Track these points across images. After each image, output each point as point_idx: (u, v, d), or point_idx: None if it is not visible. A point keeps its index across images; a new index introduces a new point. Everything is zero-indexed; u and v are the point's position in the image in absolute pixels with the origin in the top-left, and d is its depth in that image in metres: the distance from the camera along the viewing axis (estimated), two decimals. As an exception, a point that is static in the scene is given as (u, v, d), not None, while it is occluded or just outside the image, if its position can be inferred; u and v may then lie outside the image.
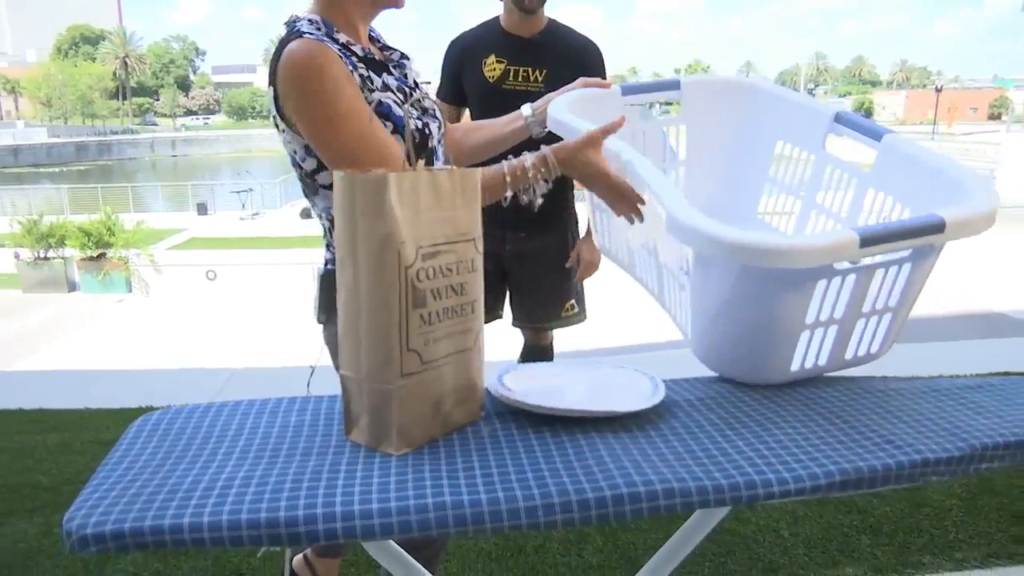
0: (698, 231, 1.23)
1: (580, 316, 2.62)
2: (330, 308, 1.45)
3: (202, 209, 20.71)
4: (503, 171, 1.42)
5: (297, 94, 1.35)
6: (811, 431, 1.32)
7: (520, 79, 2.31)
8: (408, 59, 1.60)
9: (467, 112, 2.48)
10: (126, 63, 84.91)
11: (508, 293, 2.63)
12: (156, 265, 12.24)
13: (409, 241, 1.19)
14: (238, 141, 67.22)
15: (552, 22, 2.35)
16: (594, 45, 2.35)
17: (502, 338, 2.72)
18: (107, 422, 3.91)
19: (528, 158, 1.43)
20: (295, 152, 1.47)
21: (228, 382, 5.13)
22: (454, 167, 1.28)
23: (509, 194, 1.44)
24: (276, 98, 1.40)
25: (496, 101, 2.28)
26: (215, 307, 10.43)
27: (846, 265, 1.32)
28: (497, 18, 2.37)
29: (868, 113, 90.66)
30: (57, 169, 47.05)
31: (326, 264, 1.59)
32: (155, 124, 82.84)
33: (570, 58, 2.29)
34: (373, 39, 1.57)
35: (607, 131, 1.42)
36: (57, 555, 2.47)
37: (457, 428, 1.33)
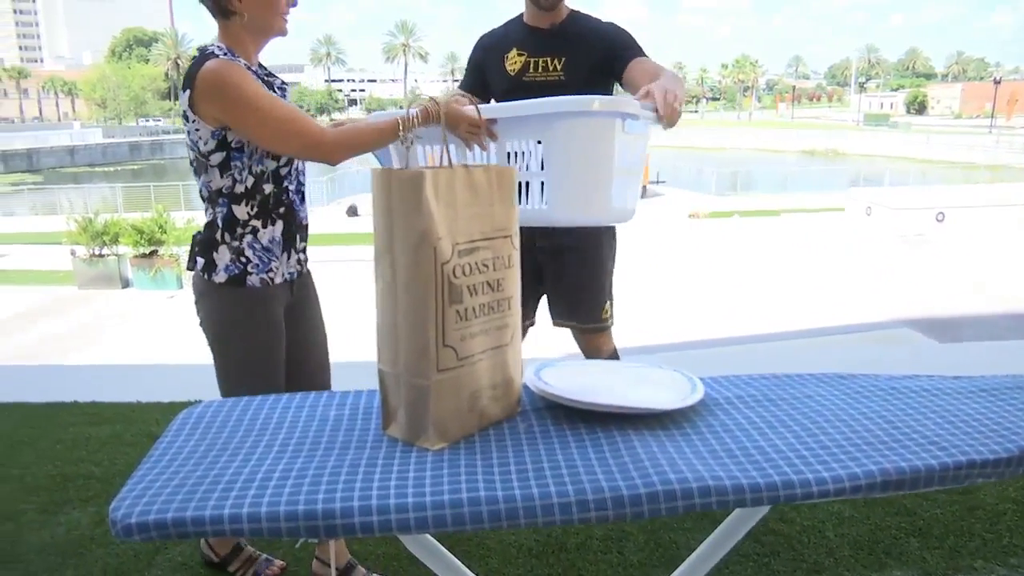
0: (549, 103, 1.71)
1: (612, 320, 2.55)
2: (197, 259, 1.89)
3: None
4: (396, 119, 1.72)
5: (223, 100, 1.71)
6: (852, 431, 1.30)
7: (540, 70, 2.33)
8: (286, 85, 1.97)
9: None
10: (178, 64, 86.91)
11: (547, 294, 2.59)
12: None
13: (446, 237, 1.20)
14: (286, 140, 67.99)
15: (574, 12, 2.38)
16: (615, 27, 2.33)
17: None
18: (156, 415, 4.01)
19: (416, 109, 1.72)
20: (200, 139, 1.79)
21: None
22: (490, 164, 1.29)
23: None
24: (191, 98, 1.75)
25: (518, 93, 2.29)
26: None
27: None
28: (521, 15, 2.42)
29: (921, 107, 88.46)
30: (112, 168, 48.33)
31: (205, 227, 1.90)
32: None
33: (588, 44, 2.28)
34: (261, 66, 1.90)
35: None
36: (109, 544, 2.54)
37: (494, 423, 1.34)
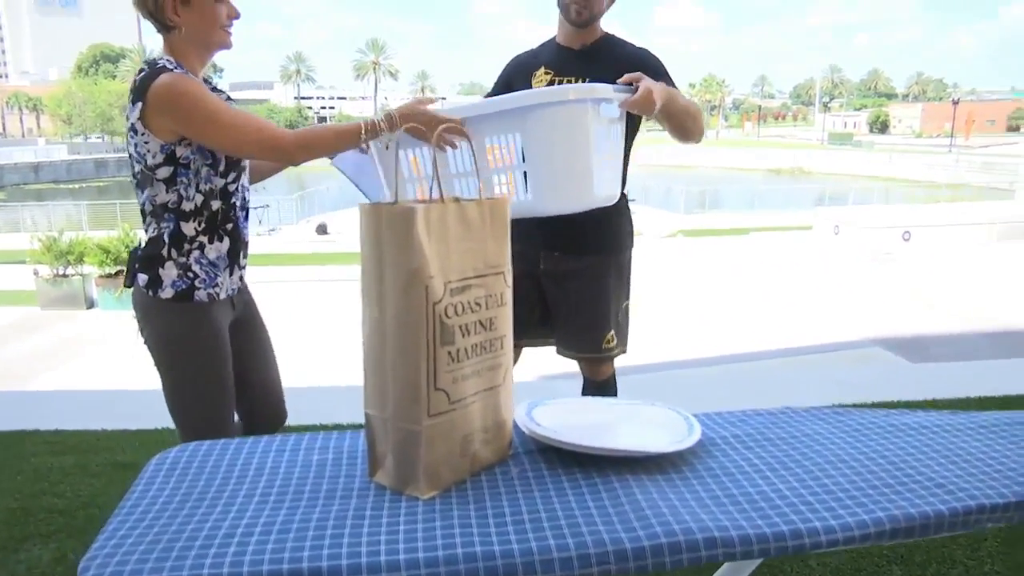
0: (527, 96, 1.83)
1: (619, 348, 2.46)
2: (138, 275, 1.87)
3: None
4: (360, 124, 1.75)
5: (179, 111, 1.71)
6: (856, 473, 1.26)
7: None
8: (232, 100, 1.96)
9: None
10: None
11: (550, 319, 2.50)
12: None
13: (438, 275, 1.14)
14: (254, 157, 67.73)
15: (607, 35, 2.36)
16: (646, 53, 2.31)
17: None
18: (123, 444, 3.88)
19: (378, 115, 1.75)
20: (148, 152, 1.77)
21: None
22: (483, 198, 1.24)
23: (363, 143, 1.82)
24: (143, 112, 1.73)
25: None
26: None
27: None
28: (556, 36, 2.40)
29: (884, 126, 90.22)
30: (77, 185, 47.50)
31: (140, 243, 1.90)
32: None
33: (616, 67, 2.19)
34: (207, 81, 1.90)
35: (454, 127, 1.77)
36: (72, 584, 2.44)
37: (485, 467, 1.28)
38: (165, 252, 1.83)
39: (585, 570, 1.03)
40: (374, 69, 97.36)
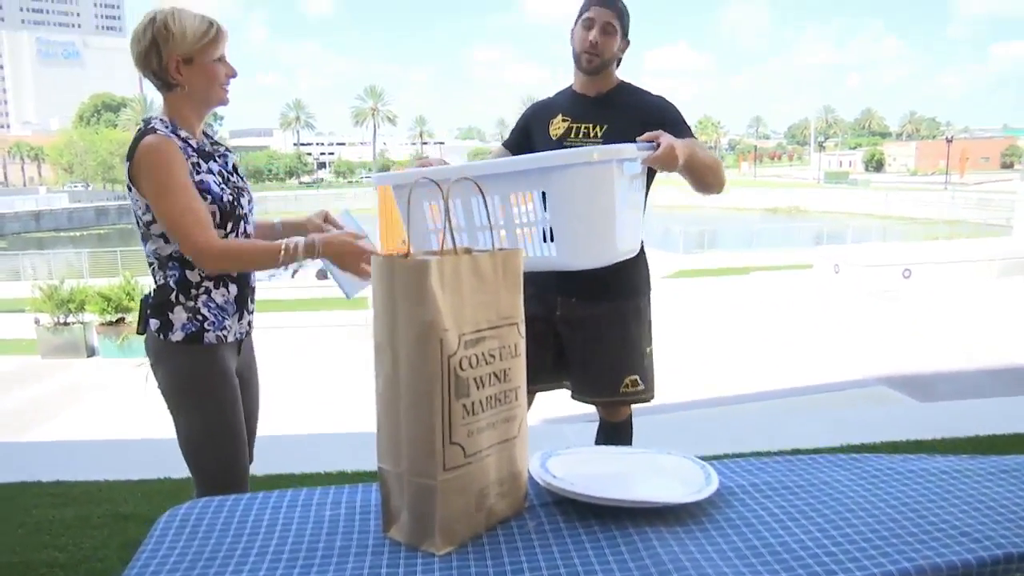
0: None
1: (645, 394, 2.41)
2: (150, 321, 1.93)
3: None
4: (280, 247, 1.84)
5: (150, 179, 1.81)
6: (878, 521, 1.24)
7: (581, 136, 2.30)
8: (230, 152, 2.08)
9: None
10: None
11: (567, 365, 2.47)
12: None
13: (452, 328, 1.14)
14: (258, 203, 68.21)
15: (623, 83, 2.37)
16: (663, 101, 2.32)
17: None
18: (125, 495, 3.84)
19: (301, 242, 1.85)
20: (139, 208, 1.87)
21: (265, 451, 5.04)
22: (496, 249, 1.24)
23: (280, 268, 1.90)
24: (130, 170, 1.85)
25: None
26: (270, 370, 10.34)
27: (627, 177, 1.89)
28: (573, 84, 2.44)
29: (879, 165, 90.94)
30: (78, 233, 47.71)
31: (150, 292, 1.97)
32: None
33: (631, 114, 2.27)
34: (207, 135, 2.01)
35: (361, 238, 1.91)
36: (74, 642, 2.39)
37: (501, 521, 1.26)
38: (173, 298, 1.89)
39: (608, 628, 1.01)
40: (373, 115, 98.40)
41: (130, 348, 11.65)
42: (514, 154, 2.49)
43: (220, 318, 1.92)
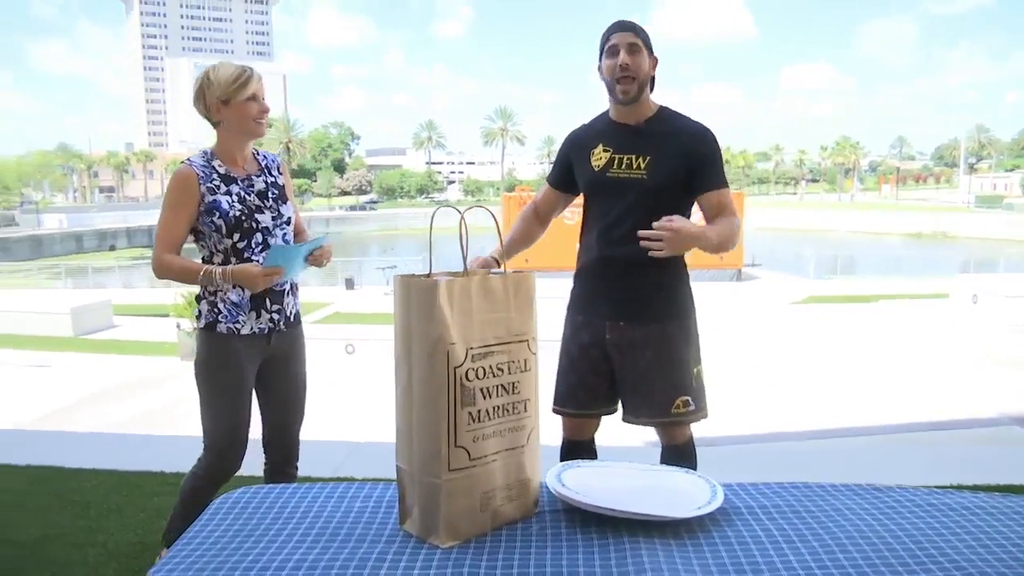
0: None
1: (698, 414, 2.40)
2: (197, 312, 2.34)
3: (349, 284, 21.83)
4: (200, 269, 2.20)
5: (166, 192, 2.26)
6: (875, 550, 1.26)
7: (623, 166, 2.30)
8: (258, 175, 2.36)
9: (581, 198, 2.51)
10: (288, 148, 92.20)
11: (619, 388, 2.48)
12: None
13: (459, 342, 1.25)
14: (387, 220, 70.89)
15: (663, 109, 2.36)
16: (703, 130, 2.31)
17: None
18: (238, 485, 4.16)
19: (218, 269, 2.19)
20: None
21: (349, 456, 5.31)
22: (508, 272, 1.35)
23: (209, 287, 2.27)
24: None
25: (601, 188, 2.35)
26: (350, 381, 10.86)
27: None
28: (608, 111, 2.43)
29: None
30: (226, 244, 50.88)
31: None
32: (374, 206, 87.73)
33: (674, 144, 2.28)
34: (254, 159, 2.39)
35: (271, 273, 2.20)
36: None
37: (508, 523, 1.36)
38: (203, 292, 2.32)
39: (577, 625, 1.09)
40: (502, 135, 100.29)
41: (260, 354, 12.39)
42: (560, 192, 2.54)
43: (234, 313, 2.28)
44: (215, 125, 2.29)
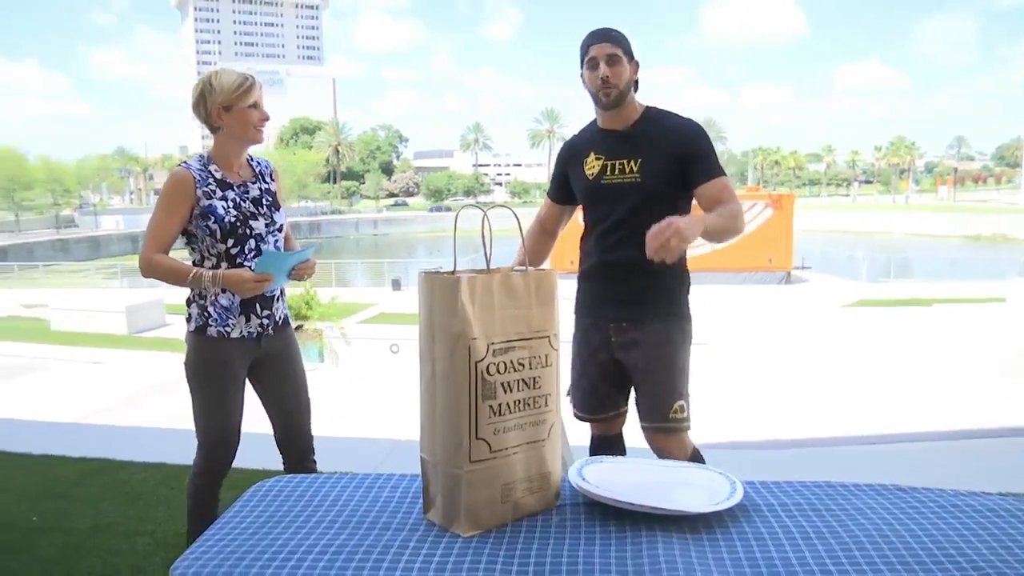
0: None
1: (687, 423, 2.36)
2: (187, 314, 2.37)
3: (396, 285, 22.12)
4: (190, 271, 2.22)
5: (160, 193, 2.30)
6: (892, 548, 1.26)
7: (616, 172, 2.31)
8: (254, 182, 2.39)
9: (580, 210, 2.53)
10: (338, 150, 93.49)
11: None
12: (347, 337, 13.17)
13: (481, 337, 1.29)
14: (434, 221, 71.44)
15: (649, 110, 2.36)
16: (691, 125, 2.30)
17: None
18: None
19: (208, 272, 2.21)
20: None
21: (391, 452, 5.40)
22: (530, 269, 1.38)
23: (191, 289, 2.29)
24: None
25: (597, 195, 2.37)
26: (394, 379, 11.01)
27: None
28: (596, 119, 2.44)
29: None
30: (275, 246, 51.76)
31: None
32: (406, 207, 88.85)
33: (663, 143, 2.26)
34: (249, 164, 2.41)
35: (262, 279, 2.23)
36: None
37: (529, 515, 1.39)
38: (192, 296, 2.33)
39: (590, 613, 1.12)
40: (548, 137, 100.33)
41: (306, 353, 12.60)
42: (561, 205, 2.55)
43: (224, 317, 2.31)
44: (214, 131, 2.32)
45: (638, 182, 2.27)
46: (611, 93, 2.28)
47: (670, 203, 2.24)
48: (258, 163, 2.48)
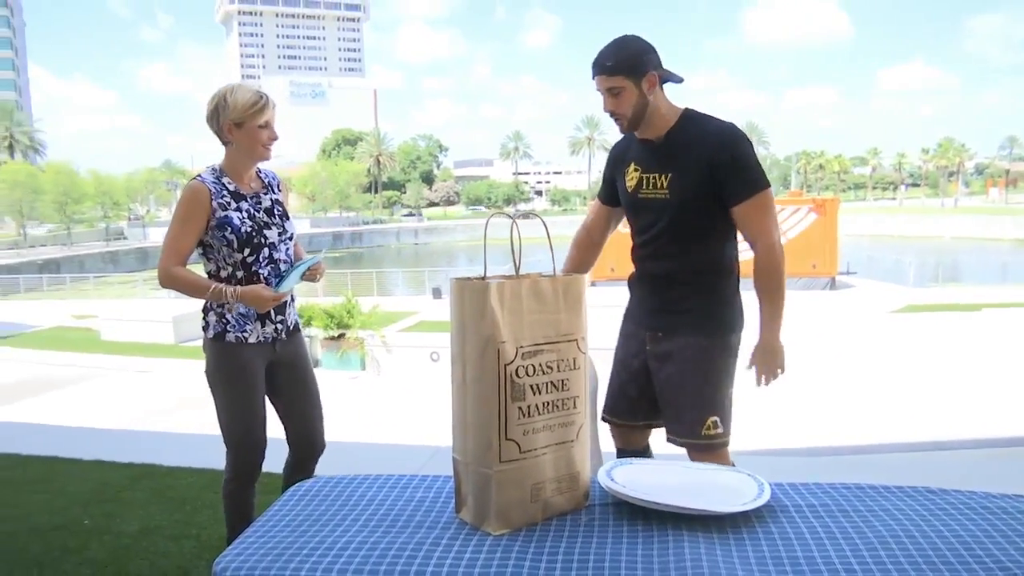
0: None
1: (723, 437, 2.28)
2: (204, 322, 2.47)
3: (437, 293, 22.27)
4: (210, 286, 2.31)
5: (176, 205, 2.36)
6: (918, 549, 1.27)
7: (649, 187, 2.27)
8: (276, 194, 2.53)
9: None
10: (379, 160, 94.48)
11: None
12: (387, 346, 13.30)
13: (509, 340, 1.33)
14: (474, 230, 71.94)
15: (685, 117, 2.25)
16: (727, 131, 2.19)
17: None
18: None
19: (228, 289, 2.30)
20: None
21: (431, 458, 5.46)
22: (559, 274, 1.42)
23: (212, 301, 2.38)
24: None
25: (634, 208, 2.35)
26: (434, 387, 11.08)
27: None
28: None
29: None
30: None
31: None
32: (416, 214, 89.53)
33: (695, 155, 2.17)
34: (259, 177, 2.51)
35: (279, 297, 2.37)
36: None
37: (559, 514, 1.43)
38: (209, 304, 2.41)
39: (615, 608, 1.15)
40: (588, 144, 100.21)
41: (348, 361, 12.78)
42: (609, 206, 2.50)
43: (241, 323, 2.39)
44: (225, 144, 2.41)
45: (667, 198, 2.22)
46: (622, 123, 2.24)
47: (702, 218, 2.19)
48: (265, 174, 2.58)
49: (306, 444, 2.65)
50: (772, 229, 2.17)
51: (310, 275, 2.48)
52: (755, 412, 2.54)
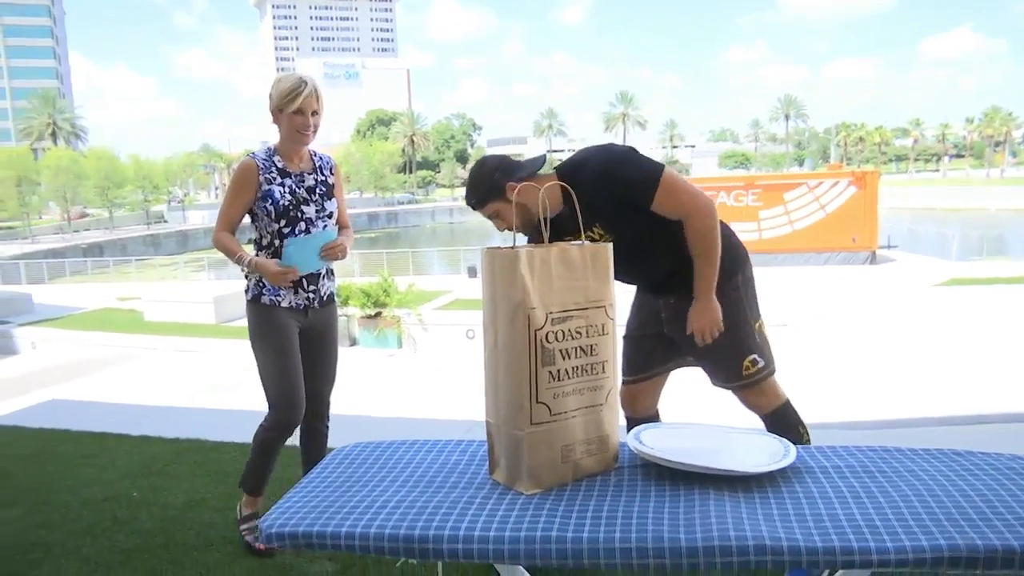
0: None
1: (767, 369, 2.34)
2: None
3: (472, 272, 22.38)
4: (236, 252, 2.55)
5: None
6: (940, 505, 1.30)
7: (599, 239, 2.24)
8: (310, 173, 2.68)
9: None
10: (413, 140, 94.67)
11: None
12: (424, 324, 13.44)
13: (539, 307, 1.38)
14: (508, 208, 71.71)
15: (560, 178, 2.19)
16: (595, 175, 2.17)
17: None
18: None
19: (247, 257, 2.54)
20: None
21: (469, 431, 5.55)
22: (586, 243, 1.46)
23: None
24: None
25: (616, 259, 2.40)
26: (471, 363, 11.17)
27: None
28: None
29: None
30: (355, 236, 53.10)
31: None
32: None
33: (596, 204, 2.14)
34: (311, 158, 2.71)
35: (285, 271, 2.54)
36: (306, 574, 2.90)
37: (588, 475, 1.48)
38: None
39: (642, 560, 1.20)
40: (623, 120, 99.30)
41: (385, 339, 12.95)
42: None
43: (275, 288, 2.61)
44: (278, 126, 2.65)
45: (616, 239, 2.10)
46: (520, 232, 2.19)
47: (649, 222, 2.20)
48: (320, 158, 2.78)
49: (311, 408, 2.83)
50: (687, 201, 2.16)
51: (330, 253, 2.61)
52: (794, 386, 2.55)
